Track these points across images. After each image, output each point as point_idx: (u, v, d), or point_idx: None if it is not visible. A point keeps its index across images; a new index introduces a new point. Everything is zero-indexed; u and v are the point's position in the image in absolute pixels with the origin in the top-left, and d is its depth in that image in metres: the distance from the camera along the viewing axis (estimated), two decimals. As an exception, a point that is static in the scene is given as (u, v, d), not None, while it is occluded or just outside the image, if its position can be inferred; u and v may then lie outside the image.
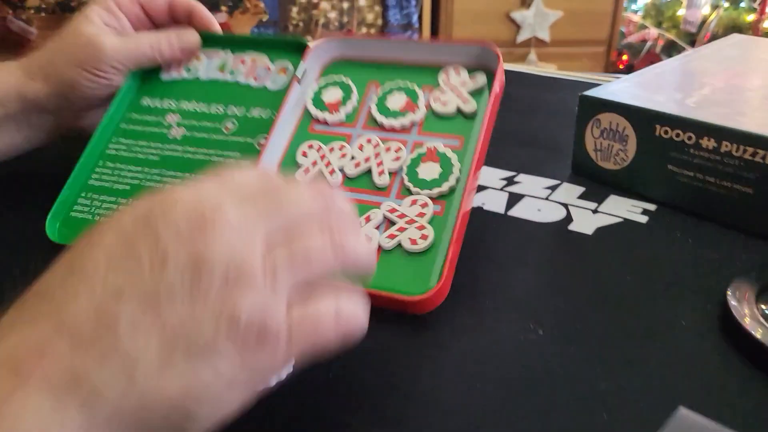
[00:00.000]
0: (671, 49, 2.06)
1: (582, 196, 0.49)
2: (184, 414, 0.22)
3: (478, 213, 0.47)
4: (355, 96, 0.44)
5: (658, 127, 0.46)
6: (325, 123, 0.44)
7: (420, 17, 1.80)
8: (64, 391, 0.20)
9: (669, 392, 0.30)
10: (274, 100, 0.46)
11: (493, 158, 0.55)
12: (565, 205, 0.47)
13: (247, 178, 0.25)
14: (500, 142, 0.59)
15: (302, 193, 0.26)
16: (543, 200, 0.48)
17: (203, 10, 0.50)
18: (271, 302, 0.23)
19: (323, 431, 0.29)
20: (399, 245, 0.38)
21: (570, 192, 0.49)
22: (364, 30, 1.70)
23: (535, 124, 0.63)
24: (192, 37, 0.49)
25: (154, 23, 0.50)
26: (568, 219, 0.45)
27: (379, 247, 0.38)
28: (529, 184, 0.51)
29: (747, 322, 0.33)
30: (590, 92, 0.51)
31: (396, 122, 0.42)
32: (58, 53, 0.46)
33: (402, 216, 0.39)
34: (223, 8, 1.11)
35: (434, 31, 1.85)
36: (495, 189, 0.50)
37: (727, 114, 0.45)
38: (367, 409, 0.30)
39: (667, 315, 0.36)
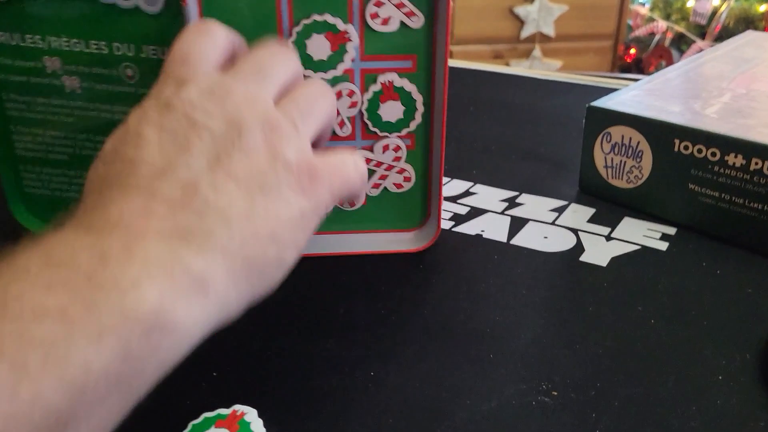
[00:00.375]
0: (680, 42, 1.99)
1: (593, 220, 0.44)
2: (279, 245, 0.25)
3: (477, 242, 0.42)
4: (269, 19, 0.35)
5: (677, 141, 0.41)
6: None
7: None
8: (177, 241, 0.22)
9: (706, 471, 0.26)
10: (161, 30, 0.36)
11: (492, 176, 0.50)
12: (575, 231, 0.42)
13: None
14: (499, 155, 0.55)
15: (276, 55, 0.29)
16: (549, 225, 0.43)
17: None
18: (306, 146, 0.27)
19: None
20: (384, 192, 0.39)
21: (579, 215, 0.45)
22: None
23: (538, 135, 0.59)
24: None
25: None
26: (579, 248, 0.41)
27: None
28: (533, 205, 0.46)
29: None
30: (599, 102, 0.46)
31: (335, 72, 0.36)
32: None
33: (379, 164, 0.38)
34: None
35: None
36: (495, 213, 0.45)
37: (755, 126, 0.40)
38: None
39: (701, 369, 0.31)
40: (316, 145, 0.33)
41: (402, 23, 0.35)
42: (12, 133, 0.40)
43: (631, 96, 0.47)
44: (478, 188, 0.49)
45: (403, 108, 0.37)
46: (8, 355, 0.18)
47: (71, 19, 0.37)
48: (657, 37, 2.01)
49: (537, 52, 1.81)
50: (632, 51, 2.05)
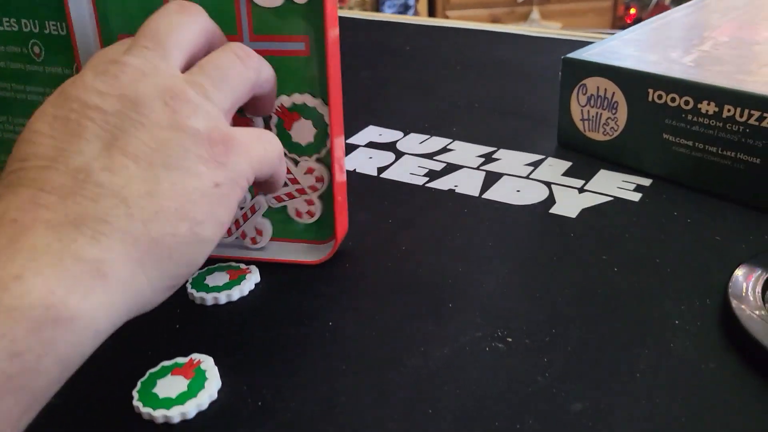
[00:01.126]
0: (683, 0, 1.95)
1: (567, 173, 0.43)
2: (191, 221, 0.23)
3: (449, 197, 0.41)
4: None
5: (650, 91, 0.40)
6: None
7: (418, -19, 1.72)
8: (69, 230, 0.21)
9: (656, 412, 0.25)
10: (59, 5, 0.34)
11: (471, 132, 0.50)
12: (548, 184, 0.42)
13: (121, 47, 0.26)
14: (481, 112, 0.54)
15: (179, 16, 0.27)
16: (523, 179, 0.43)
17: None
18: (218, 115, 0.25)
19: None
20: (284, 209, 0.35)
21: (555, 168, 0.44)
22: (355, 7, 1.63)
23: (523, 92, 0.58)
24: None
25: None
26: (551, 200, 0.40)
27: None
28: (510, 160, 0.45)
29: (749, 319, 0.28)
30: (574, 54, 0.45)
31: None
32: None
33: (294, 181, 0.34)
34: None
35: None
36: (471, 168, 0.45)
37: (731, 73, 0.40)
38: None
39: (659, 314, 0.30)
40: (257, 111, 0.32)
41: None
42: None
43: (609, 46, 0.46)
44: (456, 145, 0.48)
45: (314, 131, 0.33)
46: None
47: None
48: (659, -5, 1.96)
49: (535, 14, 1.77)
50: (632, 11, 1.99)
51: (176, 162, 0.23)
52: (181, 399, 0.27)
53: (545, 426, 0.25)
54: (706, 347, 0.28)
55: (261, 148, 0.27)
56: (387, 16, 0.83)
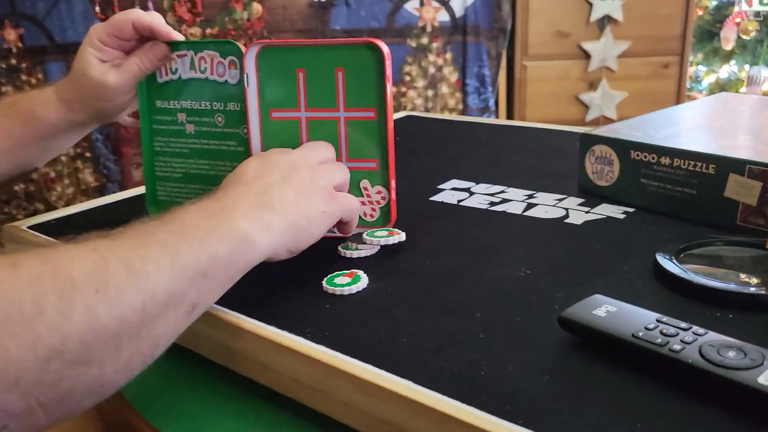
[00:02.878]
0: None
1: (580, 204, 0.67)
2: (309, 223, 0.50)
3: (501, 215, 0.65)
4: (293, 86, 0.58)
5: (632, 152, 0.64)
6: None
7: (496, 101, 2.03)
8: (258, 208, 0.47)
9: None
10: (238, 93, 0.60)
11: (519, 183, 0.74)
12: (566, 209, 0.65)
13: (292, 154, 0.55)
14: (529, 174, 0.79)
15: (323, 146, 0.57)
16: (551, 206, 0.66)
17: (161, 25, 0.64)
18: (330, 184, 0.53)
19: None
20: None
21: (572, 201, 0.67)
22: (446, 113, 1.94)
23: (560, 162, 0.82)
24: (160, 49, 0.63)
25: (127, 42, 0.64)
26: (566, 216, 0.63)
27: None
28: (544, 197, 0.69)
29: (665, 263, 0.50)
30: (587, 131, 0.69)
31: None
32: (83, 92, 0.64)
33: (368, 195, 0.60)
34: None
35: (509, 113, 2.06)
36: (517, 201, 0.69)
37: (684, 142, 0.63)
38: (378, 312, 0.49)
39: (615, 266, 0.53)
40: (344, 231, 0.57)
41: None
42: (155, 161, 0.68)
43: (612, 127, 0.70)
44: (509, 189, 0.73)
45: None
46: (185, 241, 0.41)
47: (192, 89, 0.65)
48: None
49: (595, 127, 2.03)
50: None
51: (309, 195, 0.50)
52: (348, 284, 0.51)
53: (542, 302, 0.48)
54: (640, 279, 0.50)
55: (349, 204, 0.54)
56: (471, 118, 1.10)
